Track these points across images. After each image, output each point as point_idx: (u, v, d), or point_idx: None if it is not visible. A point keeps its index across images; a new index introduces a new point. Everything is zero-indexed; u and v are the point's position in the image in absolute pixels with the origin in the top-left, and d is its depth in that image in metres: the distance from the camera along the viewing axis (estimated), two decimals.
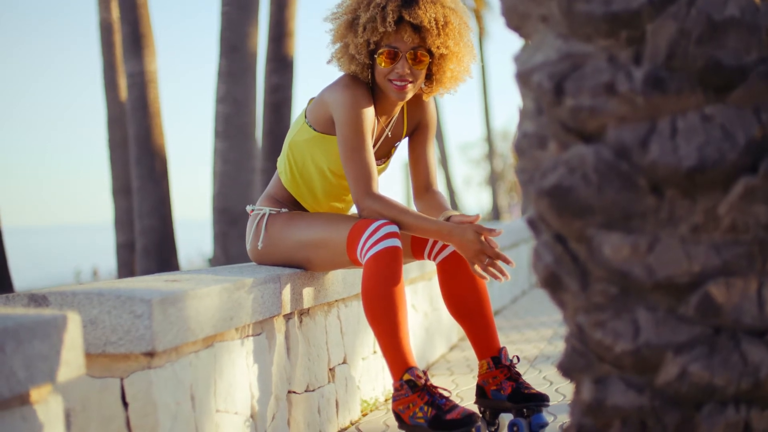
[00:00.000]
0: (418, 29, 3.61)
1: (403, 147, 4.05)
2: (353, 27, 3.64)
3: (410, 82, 3.65)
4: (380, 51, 3.62)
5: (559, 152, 2.16)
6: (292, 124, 3.90)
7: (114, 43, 12.49)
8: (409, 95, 3.69)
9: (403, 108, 3.90)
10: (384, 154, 3.93)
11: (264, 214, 3.83)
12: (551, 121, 2.17)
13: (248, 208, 3.95)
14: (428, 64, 3.69)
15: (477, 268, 3.56)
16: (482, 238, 3.53)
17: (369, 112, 3.63)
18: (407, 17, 3.57)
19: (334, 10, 3.74)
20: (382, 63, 3.63)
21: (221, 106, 9.14)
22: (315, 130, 3.74)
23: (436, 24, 3.60)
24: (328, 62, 3.77)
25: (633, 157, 2.08)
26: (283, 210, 3.83)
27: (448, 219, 3.63)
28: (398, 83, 3.64)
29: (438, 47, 3.63)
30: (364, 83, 3.70)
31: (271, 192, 3.93)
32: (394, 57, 3.62)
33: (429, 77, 3.79)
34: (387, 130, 3.86)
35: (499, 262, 3.55)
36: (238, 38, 9.16)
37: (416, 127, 3.96)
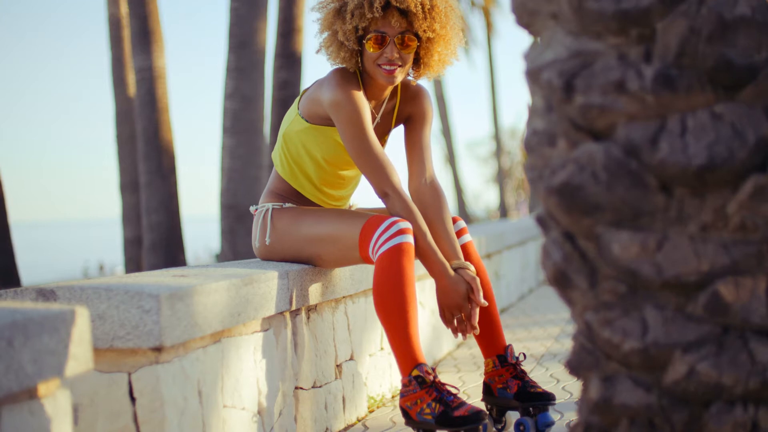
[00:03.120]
0: (405, 14, 3.65)
1: (399, 139, 4.07)
2: (341, 14, 3.68)
3: (399, 66, 3.69)
4: (368, 37, 3.66)
5: (568, 150, 2.16)
6: (285, 116, 3.93)
7: (122, 38, 12.49)
8: (398, 79, 3.72)
9: (396, 99, 3.93)
10: (379, 140, 3.94)
11: (268, 210, 3.83)
12: (561, 118, 2.16)
13: (251, 208, 3.96)
14: (416, 48, 3.72)
15: (446, 317, 3.64)
16: (469, 296, 3.62)
17: (365, 106, 3.67)
18: (394, 2, 3.62)
19: None
20: (370, 48, 3.67)
21: (229, 102, 9.14)
22: (307, 121, 3.78)
23: (423, 8, 3.65)
24: (317, 51, 3.82)
25: (642, 156, 2.07)
26: (287, 204, 3.84)
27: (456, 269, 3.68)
28: (387, 68, 3.68)
29: (425, 31, 3.67)
30: (353, 75, 3.75)
31: (272, 187, 3.94)
32: (382, 42, 3.66)
33: (417, 62, 3.83)
34: (378, 114, 3.87)
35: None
36: (246, 34, 9.15)
37: (409, 117, 3.97)
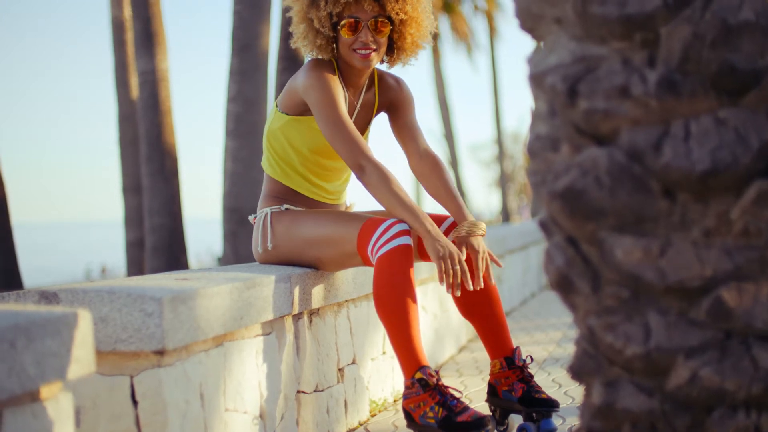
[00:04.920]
0: None
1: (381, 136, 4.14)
2: (315, 2, 3.76)
3: (374, 50, 3.78)
4: (342, 23, 3.74)
5: (571, 155, 2.15)
6: (267, 120, 3.98)
7: (126, 41, 12.50)
8: (374, 62, 3.81)
9: (374, 85, 4.00)
10: (361, 129, 4.02)
11: (267, 214, 3.85)
12: (564, 123, 2.16)
13: (250, 218, 3.98)
14: (389, 32, 3.81)
15: (440, 267, 3.50)
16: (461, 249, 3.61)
17: (338, 87, 3.74)
18: None
19: None
20: (345, 34, 3.75)
21: (232, 105, 9.13)
22: (287, 114, 3.84)
23: None
24: (294, 43, 3.89)
25: (646, 160, 2.07)
26: (285, 206, 3.85)
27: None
28: (362, 52, 3.76)
29: (397, 13, 3.76)
30: (329, 63, 3.82)
31: (267, 191, 3.96)
32: (356, 27, 3.75)
33: (390, 48, 3.92)
34: (358, 102, 3.95)
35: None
36: (249, 37, 9.15)
37: (390, 105, 4.05)
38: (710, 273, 2.07)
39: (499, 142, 34.29)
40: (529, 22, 2.30)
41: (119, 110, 12.64)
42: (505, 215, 33.47)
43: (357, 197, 4.16)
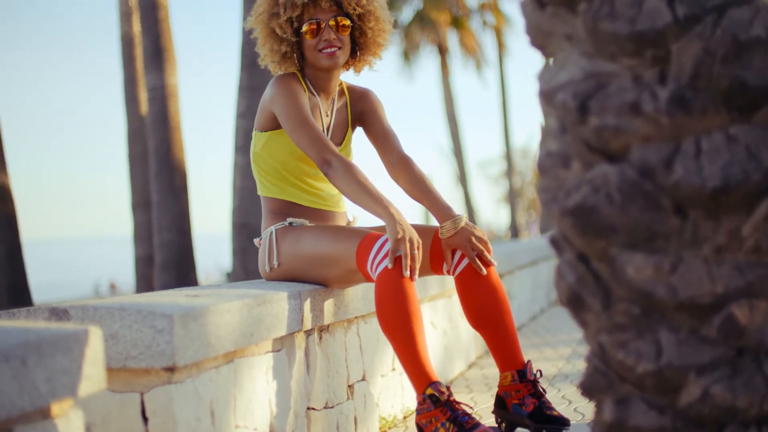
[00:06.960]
0: None
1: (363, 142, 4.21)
2: (275, 13, 3.85)
3: (339, 48, 3.87)
4: (304, 27, 3.85)
5: (582, 171, 2.15)
6: (250, 149, 4.05)
7: (135, 56, 12.55)
8: (341, 61, 3.89)
9: (345, 96, 4.08)
10: (339, 141, 4.07)
11: (271, 233, 3.87)
12: (575, 140, 2.16)
13: (255, 241, 4.02)
14: (350, 29, 3.91)
15: (394, 248, 3.50)
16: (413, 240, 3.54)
17: (302, 93, 3.82)
18: None
19: (253, 10, 3.95)
20: (308, 37, 3.85)
21: (241, 121, 9.14)
22: (265, 132, 3.91)
23: None
24: (262, 60, 4.01)
25: (657, 177, 2.07)
26: (288, 220, 3.87)
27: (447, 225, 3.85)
28: (328, 50, 3.85)
29: (354, 8, 3.87)
30: (293, 75, 3.90)
31: (267, 212, 4.01)
32: (318, 28, 3.84)
33: (354, 52, 4.01)
34: (332, 110, 4.03)
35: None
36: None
37: (362, 115, 4.12)
38: (721, 290, 2.07)
39: (508, 157, 34.31)
40: (539, 38, 2.30)
41: (128, 126, 12.68)
42: (514, 231, 33.46)
43: (359, 211, 4.18)
